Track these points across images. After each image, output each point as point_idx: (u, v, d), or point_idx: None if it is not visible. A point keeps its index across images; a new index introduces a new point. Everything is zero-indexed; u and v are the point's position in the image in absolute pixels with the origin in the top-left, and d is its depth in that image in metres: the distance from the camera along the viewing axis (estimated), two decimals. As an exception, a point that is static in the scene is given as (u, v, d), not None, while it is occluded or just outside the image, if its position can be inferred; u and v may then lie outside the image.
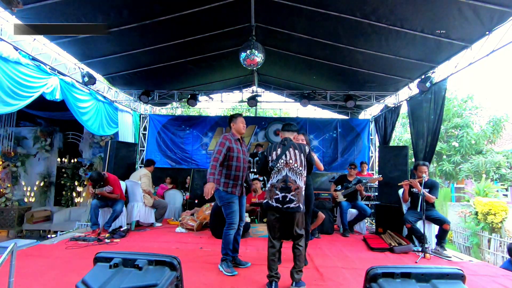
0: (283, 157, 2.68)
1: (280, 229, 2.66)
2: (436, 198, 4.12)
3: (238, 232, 3.28)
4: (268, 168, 2.77)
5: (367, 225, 5.89)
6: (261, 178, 6.31)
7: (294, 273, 2.59)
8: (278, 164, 2.68)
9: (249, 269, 3.13)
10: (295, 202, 2.57)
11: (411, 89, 6.08)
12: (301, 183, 2.65)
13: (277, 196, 2.59)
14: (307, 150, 2.77)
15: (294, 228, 2.62)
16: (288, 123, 3.00)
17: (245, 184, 3.34)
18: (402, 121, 13.17)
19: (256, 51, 4.58)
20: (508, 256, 3.76)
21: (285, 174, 2.63)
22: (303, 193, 2.67)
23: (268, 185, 2.73)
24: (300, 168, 2.67)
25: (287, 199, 2.56)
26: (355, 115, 8.64)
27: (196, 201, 6.20)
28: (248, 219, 4.77)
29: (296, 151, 2.71)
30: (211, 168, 3.03)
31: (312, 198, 3.36)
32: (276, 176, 2.66)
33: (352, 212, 5.24)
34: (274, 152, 2.73)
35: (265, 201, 2.70)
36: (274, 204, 2.59)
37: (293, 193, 2.58)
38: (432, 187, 4.17)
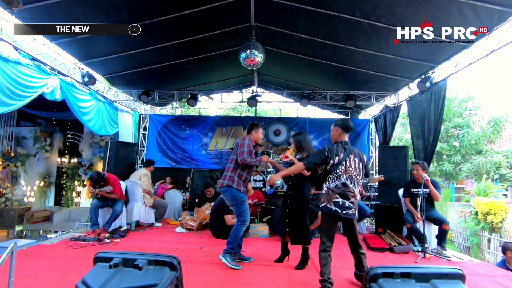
0: (344, 163, 2.62)
1: (334, 233, 2.69)
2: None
3: None
4: (322, 169, 2.74)
5: (367, 225, 5.88)
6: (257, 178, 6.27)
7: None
8: (338, 170, 2.62)
9: (249, 268, 3.13)
10: (352, 209, 2.59)
11: (411, 89, 6.07)
12: (357, 192, 2.66)
13: (336, 200, 2.58)
14: (365, 160, 2.77)
15: (356, 235, 2.68)
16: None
17: None
18: (402, 121, 13.15)
19: (256, 51, 4.58)
20: (502, 255, 3.75)
21: (344, 181, 2.61)
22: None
23: (325, 189, 2.68)
24: (358, 177, 2.66)
25: (346, 205, 2.57)
26: (355, 115, 8.63)
27: (196, 200, 6.20)
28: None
29: (356, 159, 2.67)
30: (251, 158, 3.21)
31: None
32: (334, 182, 2.63)
33: (352, 212, 5.23)
34: (337, 157, 2.63)
35: (323, 205, 2.65)
36: (333, 208, 2.58)
37: (351, 200, 2.59)
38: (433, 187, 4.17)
